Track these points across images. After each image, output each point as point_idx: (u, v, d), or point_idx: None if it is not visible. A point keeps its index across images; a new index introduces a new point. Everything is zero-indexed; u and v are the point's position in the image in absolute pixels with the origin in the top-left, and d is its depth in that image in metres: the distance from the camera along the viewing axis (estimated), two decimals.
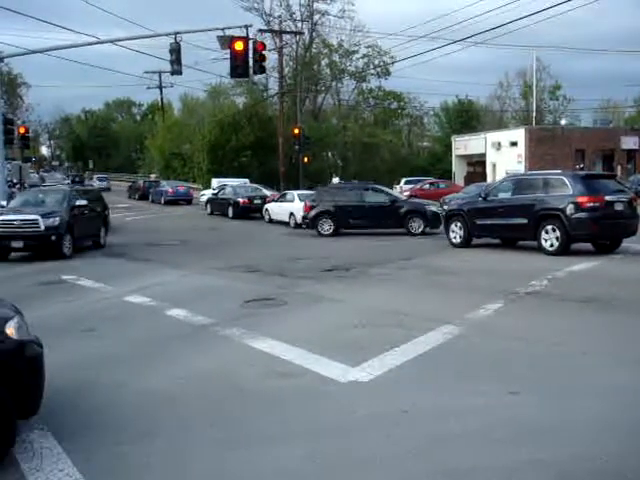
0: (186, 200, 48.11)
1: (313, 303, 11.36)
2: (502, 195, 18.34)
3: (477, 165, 55.45)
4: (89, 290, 13.53)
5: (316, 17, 60.95)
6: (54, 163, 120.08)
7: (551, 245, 16.43)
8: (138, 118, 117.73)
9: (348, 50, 63.36)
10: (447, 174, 57.67)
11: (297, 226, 28.21)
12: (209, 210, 37.66)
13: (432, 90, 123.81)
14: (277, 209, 30.89)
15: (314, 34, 62.05)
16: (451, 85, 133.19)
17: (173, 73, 24.28)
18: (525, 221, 16.97)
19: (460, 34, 68.94)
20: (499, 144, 51.10)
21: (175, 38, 22.96)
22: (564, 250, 16.18)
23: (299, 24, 60.20)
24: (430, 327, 9.04)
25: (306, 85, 60.05)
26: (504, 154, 50.34)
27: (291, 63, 59.95)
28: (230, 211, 34.40)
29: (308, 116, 59.62)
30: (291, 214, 28.92)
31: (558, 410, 5.99)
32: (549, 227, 16.43)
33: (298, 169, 45.11)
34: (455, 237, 19.20)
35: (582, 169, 47.91)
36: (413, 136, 79.80)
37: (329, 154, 64.55)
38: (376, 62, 63.71)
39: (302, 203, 28.53)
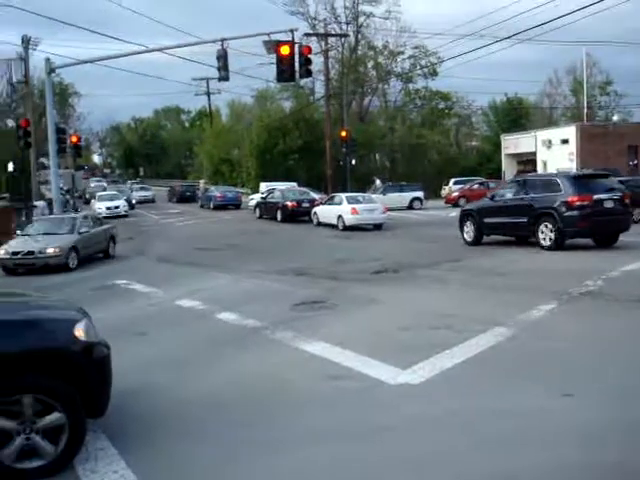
0: (235, 205, 47.96)
1: (363, 305, 11.33)
2: (507, 196, 19.80)
3: (527, 164, 54.64)
4: (140, 294, 13.75)
5: (361, 19, 60.98)
6: (106, 171, 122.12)
7: (546, 241, 17.67)
8: (187, 125, 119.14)
9: (393, 52, 63.14)
10: (496, 174, 56.95)
11: (345, 229, 28.18)
12: (258, 214, 37.89)
13: (480, 89, 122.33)
14: (325, 212, 30.90)
15: (359, 36, 62.07)
16: (499, 83, 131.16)
17: (220, 79, 24.47)
18: (525, 219, 18.29)
19: (507, 31, 68.10)
20: (550, 142, 50.28)
21: (222, 44, 23.16)
22: (559, 246, 17.37)
23: (344, 26, 60.26)
24: (481, 329, 8.93)
25: (352, 87, 59.98)
26: (555, 152, 49.51)
27: (337, 66, 60.00)
28: (279, 215, 34.57)
29: (355, 118, 59.54)
30: (339, 217, 28.88)
31: (613, 412, 5.85)
32: (545, 224, 17.74)
33: (346, 172, 45.07)
34: (468, 235, 20.52)
35: (636, 166, 46.89)
36: (461, 136, 78.94)
37: (377, 156, 64.37)
38: (422, 62, 63.38)
39: (350, 206, 28.53)
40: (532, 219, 18.02)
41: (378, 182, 47.00)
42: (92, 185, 65.26)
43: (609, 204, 17.47)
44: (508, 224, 19.14)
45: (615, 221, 17.74)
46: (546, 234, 17.64)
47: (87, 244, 20.13)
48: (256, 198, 41.90)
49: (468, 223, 20.57)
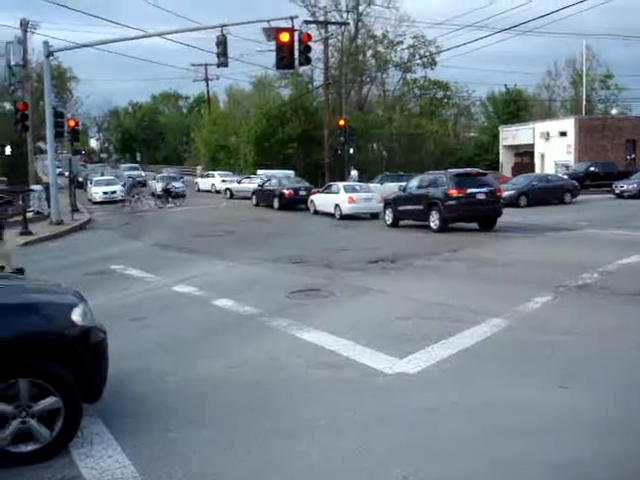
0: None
1: (359, 294, 11.33)
2: (413, 189, 24.03)
3: (525, 155, 54.59)
4: (137, 280, 13.72)
5: (362, 7, 60.55)
6: (103, 155, 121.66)
7: (435, 225, 21.78)
8: (184, 111, 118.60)
9: (392, 41, 62.80)
10: (494, 165, 56.88)
11: (342, 217, 28.15)
12: (255, 201, 37.81)
13: (479, 80, 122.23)
14: (322, 200, 30.81)
15: (359, 25, 61.70)
16: (499, 74, 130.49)
17: (219, 65, 24.47)
18: (422, 207, 22.53)
19: (507, 22, 67.73)
20: (548, 134, 50.22)
21: (221, 31, 23.11)
22: (443, 229, 21.43)
23: (344, 15, 59.88)
24: (478, 320, 8.94)
25: (351, 76, 59.77)
26: (553, 144, 49.47)
27: (336, 54, 59.72)
28: (275, 202, 34.50)
29: (353, 107, 59.32)
30: (336, 205, 28.84)
31: (608, 404, 5.87)
32: (433, 212, 21.89)
33: (343, 161, 44.92)
34: (388, 219, 25.02)
35: (633, 160, 46.94)
36: (460, 127, 78.75)
37: (374, 145, 64.17)
38: (422, 52, 63.07)
39: (347, 194, 28.49)
40: (426, 207, 22.23)
41: (354, 172, 46.28)
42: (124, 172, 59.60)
43: (481, 196, 21.52)
44: (413, 211, 23.32)
45: (486, 210, 21.88)
46: (434, 219, 21.77)
47: None
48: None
49: (388, 210, 25.14)
